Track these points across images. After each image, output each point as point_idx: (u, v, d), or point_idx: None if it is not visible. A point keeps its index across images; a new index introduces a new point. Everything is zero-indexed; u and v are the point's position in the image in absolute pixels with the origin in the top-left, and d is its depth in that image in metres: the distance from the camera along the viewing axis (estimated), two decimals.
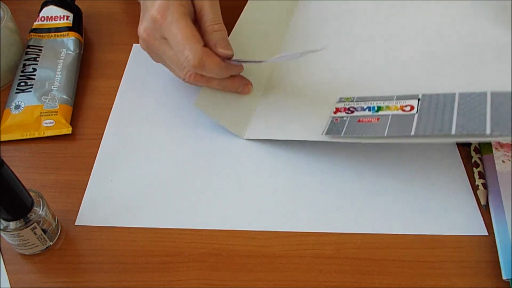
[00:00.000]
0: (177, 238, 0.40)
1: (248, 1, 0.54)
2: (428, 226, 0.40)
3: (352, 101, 0.44)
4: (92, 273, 0.38)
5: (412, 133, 0.38)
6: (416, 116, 0.40)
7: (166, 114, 0.49)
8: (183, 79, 0.45)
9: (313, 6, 0.56)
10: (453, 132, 0.36)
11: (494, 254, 0.39)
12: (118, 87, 0.51)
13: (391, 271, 0.38)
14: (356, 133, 0.40)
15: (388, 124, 0.40)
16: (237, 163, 0.45)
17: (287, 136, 0.44)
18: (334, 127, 0.42)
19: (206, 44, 0.43)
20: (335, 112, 0.44)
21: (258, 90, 0.49)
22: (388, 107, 0.41)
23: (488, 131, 0.36)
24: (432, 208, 0.41)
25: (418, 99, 0.41)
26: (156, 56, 0.46)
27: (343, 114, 0.43)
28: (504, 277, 0.37)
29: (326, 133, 0.42)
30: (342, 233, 0.40)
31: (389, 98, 0.42)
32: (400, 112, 0.41)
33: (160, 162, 0.45)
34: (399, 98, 0.42)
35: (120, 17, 0.61)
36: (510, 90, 0.38)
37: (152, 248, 0.39)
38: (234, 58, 0.44)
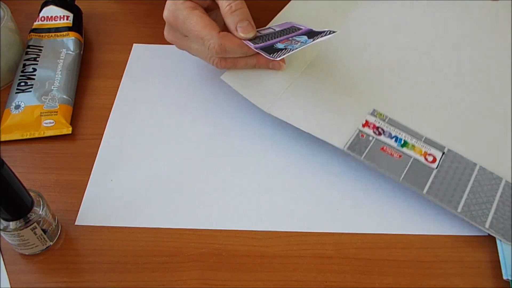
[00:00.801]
0: (177, 238, 0.40)
1: (291, 1, 0.54)
2: (428, 226, 0.40)
3: (384, 120, 0.44)
4: (92, 273, 0.38)
5: (425, 191, 0.40)
6: (434, 172, 0.41)
7: (166, 114, 0.49)
8: (214, 66, 0.46)
9: (374, 9, 0.54)
10: (459, 210, 0.39)
11: (494, 254, 0.39)
12: (118, 87, 0.51)
13: (391, 271, 0.38)
14: (376, 162, 0.41)
15: (407, 168, 0.41)
16: (236, 163, 0.45)
17: (309, 129, 0.43)
18: (357, 144, 0.42)
19: (228, 28, 0.44)
20: (363, 125, 0.44)
21: (297, 69, 0.48)
22: (413, 147, 0.42)
23: (487, 225, 0.39)
24: (432, 208, 0.41)
25: (443, 153, 0.42)
26: (184, 49, 0.48)
27: (370, 132, 0.43)
28: (504, 277, 0.37)
29: (348, 148, 0.42)
30: (342, 233, 0.40)
31: (418, 137, 0.43)
32: (422, 159, 0.42)
33: (160, 162, 0.45)
34: (427, 141, 0.43)
35: (120, 17, 0.61)
36: None
37: (152, 248, 0.39)
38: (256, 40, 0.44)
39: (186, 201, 0.42)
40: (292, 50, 0.41)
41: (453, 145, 0.43)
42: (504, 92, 0.47)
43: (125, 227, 0.40)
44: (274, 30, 0.47)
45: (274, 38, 0.45)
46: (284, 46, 0.43)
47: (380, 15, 0.54)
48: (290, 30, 0.46)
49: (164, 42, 0.50)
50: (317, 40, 0.42)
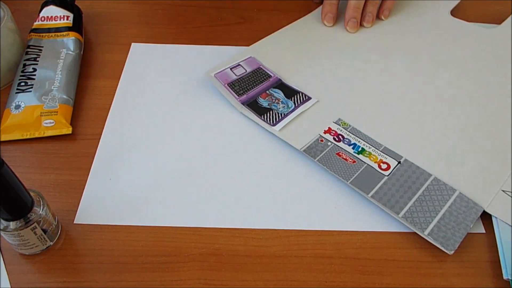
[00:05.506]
0: (177, 237, 0.40)
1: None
2: None
3: (346, 128, 0.46)
4: (92, 273, 0.38)
5: (370, 195, 0.41)
6: (385, 178, 0.42)
7: (164, 113, 0.49)
8: None
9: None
10: (400, 215, 0.40)
11: (494, 253, 0.39)
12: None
13: (391, 271, 0.38)
14: (328, 165, 0.43)
15: (358, 173, 0.42)
16: (235, 161, 0.45)
17: (275, 131, 0.46)
18: (313, 148, 0.44)
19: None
20: (325, 132, 0.46)
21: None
22: (369, 154, 0.44)
23: (426, 232, 0.39)
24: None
25: (399, 162, 0.43)
26: None
27: (330, 138, 0.45)
28: (504, 277, 0.37)
29: (305, 150, 0.44)
30: (342, 233, 0.40)
31: (377, 146, 0.45)
32: (375, 166, 0.43)
33: (159, 160, 0.45)
34: (385, 151, 0.44)
35: (120, 17, 0.61)
36: (473, 200, 0.41)
37: (152, 248, 0.39)
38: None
39: (185, 199, 0.42)
40: (285, 115, 0.47)
41: (412, 157, 0.44)
42: (470, 109, 0.49)
43: (125, 227, 0.40)
44: (246, 70, 0.51)
45: (251, 87, 0.50)
46: (268, 105, 0.48)
47: (361, 38, 0.58)
48: (261, 76, 0.51)
49: (163, 41, 0.50)
50: (299, 109, 0.48)
